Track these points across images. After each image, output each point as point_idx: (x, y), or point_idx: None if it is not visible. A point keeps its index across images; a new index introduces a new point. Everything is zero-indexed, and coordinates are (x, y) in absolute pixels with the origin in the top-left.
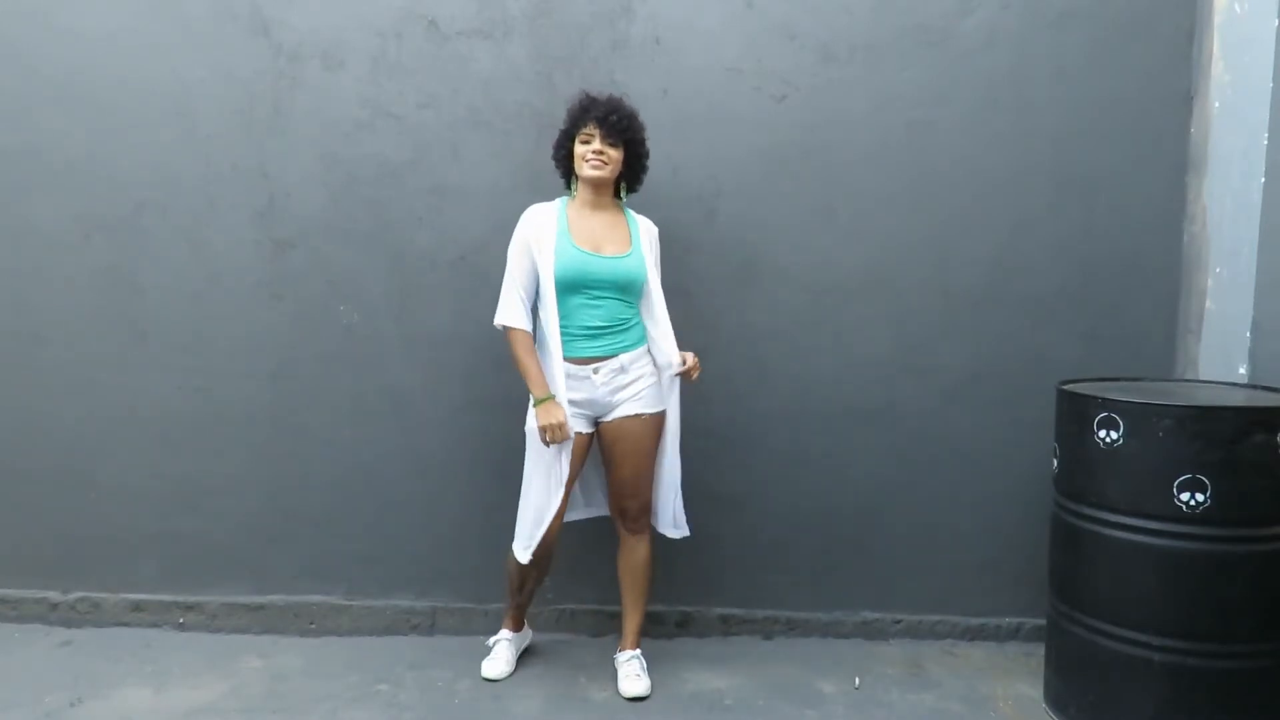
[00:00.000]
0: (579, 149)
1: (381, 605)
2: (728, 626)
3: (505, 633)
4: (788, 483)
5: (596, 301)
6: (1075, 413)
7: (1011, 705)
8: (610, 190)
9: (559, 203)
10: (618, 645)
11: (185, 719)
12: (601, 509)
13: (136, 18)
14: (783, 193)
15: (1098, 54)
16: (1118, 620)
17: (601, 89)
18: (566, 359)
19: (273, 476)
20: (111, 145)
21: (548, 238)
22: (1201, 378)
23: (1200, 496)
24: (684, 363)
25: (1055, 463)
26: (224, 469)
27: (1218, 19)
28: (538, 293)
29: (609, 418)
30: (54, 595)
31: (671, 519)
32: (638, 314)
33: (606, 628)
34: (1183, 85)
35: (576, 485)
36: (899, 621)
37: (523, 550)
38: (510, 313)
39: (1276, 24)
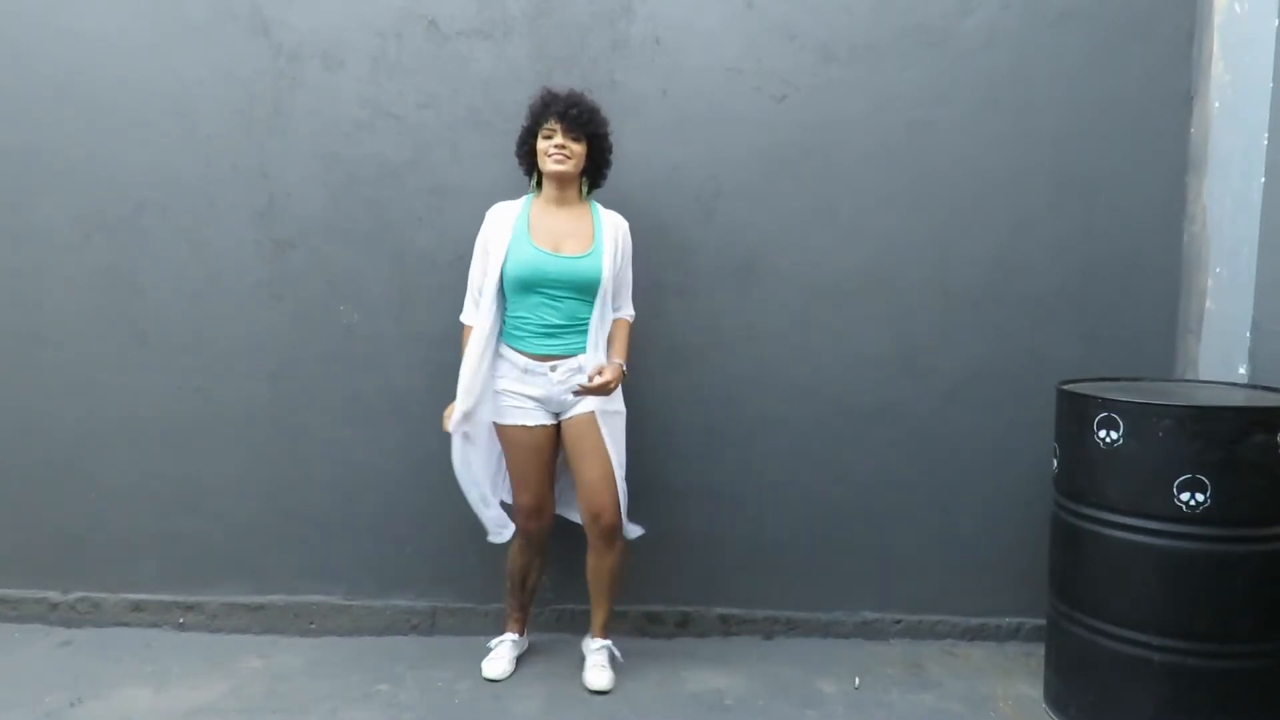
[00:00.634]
0: (541, 144)
1: (381, 605)
2: (728, 626)
3: (508, 635)
4: (788, 483)
5: (554, 301)
6: (1075, 413)
7: (1011, 705)
8: (575, 186)
9: (523, 200)
10: (588, 633)
11: (185, 719)
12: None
13: (136, 18)
14: (783, 193)
15: (1098, 54)
16: (1118, 620)
17: (601, 89)
18: (526, 354)
19: (273, 476)
20: (111, 145)
21: (504, 236)
22: (1201, 378)
23: (1200, 496)
24: (590, 379)
25: (1055, 463)
26: (224, 469)
27: (1218, 19)
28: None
29: (568, 415)
30: (54, 595)
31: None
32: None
33: None
34: (1183, 85)
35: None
36: (899, 621)
37: (493, 534)
38: (465, 311)
39: (1276, 24)
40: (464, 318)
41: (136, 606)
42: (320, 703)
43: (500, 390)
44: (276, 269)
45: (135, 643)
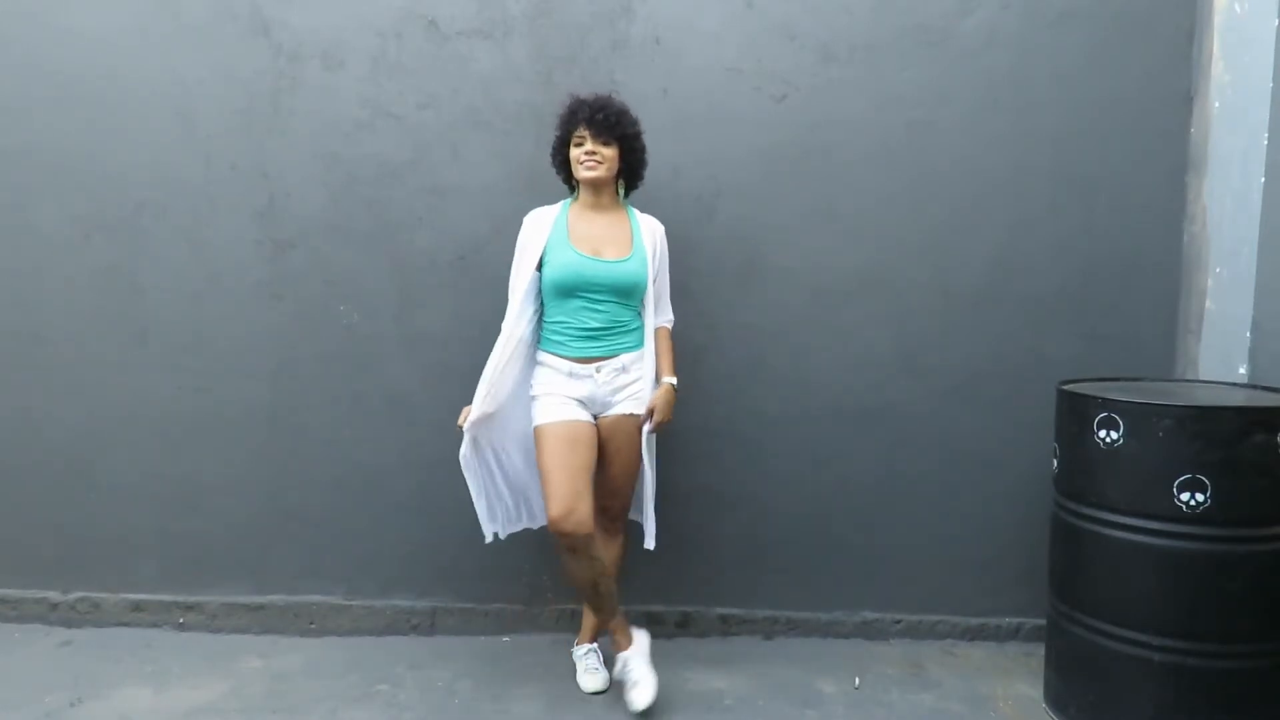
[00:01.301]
0: (573, 152)
1: (381, 605)
2: (728, 626)
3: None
4: (788, 483)
5: (596, 305)
6: (1075, 413)
7: (1011, 705)
8: (611, 190)
9: (561, 206)
10: (576, 640)
11: (185, 719)
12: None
13: (136, 18)
14: (783, 193)
15: (1098, 54)
16: (1118, 620)
17: (601, 89)
18: (569, 358)
19: (273, 476)
20: (111, 145)
21: (540, 243)
22: (1201, 378)
23: (1200, 496)
24: (643, 425)
25: (1055, 463)
26: (224, 469)
27: (1218, 19)
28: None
29: (606, 414)
30: (54, 595)
31: (653, 529)
32: (639, 315)
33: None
34: (1183, 85)
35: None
36: (899, 621)
37: (486, 528)
38: (507, 318)
39: (1276, 24)
40: (504, 324)
41: (136, 606)
42: (320, 703)
43: (538, 395)
44: (276, 269)
45: (135, 643)
